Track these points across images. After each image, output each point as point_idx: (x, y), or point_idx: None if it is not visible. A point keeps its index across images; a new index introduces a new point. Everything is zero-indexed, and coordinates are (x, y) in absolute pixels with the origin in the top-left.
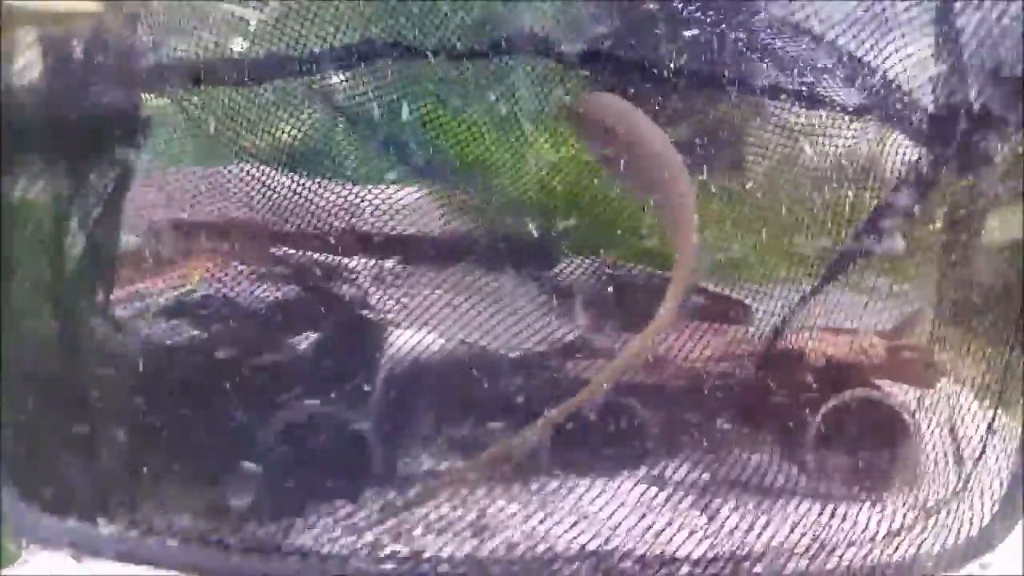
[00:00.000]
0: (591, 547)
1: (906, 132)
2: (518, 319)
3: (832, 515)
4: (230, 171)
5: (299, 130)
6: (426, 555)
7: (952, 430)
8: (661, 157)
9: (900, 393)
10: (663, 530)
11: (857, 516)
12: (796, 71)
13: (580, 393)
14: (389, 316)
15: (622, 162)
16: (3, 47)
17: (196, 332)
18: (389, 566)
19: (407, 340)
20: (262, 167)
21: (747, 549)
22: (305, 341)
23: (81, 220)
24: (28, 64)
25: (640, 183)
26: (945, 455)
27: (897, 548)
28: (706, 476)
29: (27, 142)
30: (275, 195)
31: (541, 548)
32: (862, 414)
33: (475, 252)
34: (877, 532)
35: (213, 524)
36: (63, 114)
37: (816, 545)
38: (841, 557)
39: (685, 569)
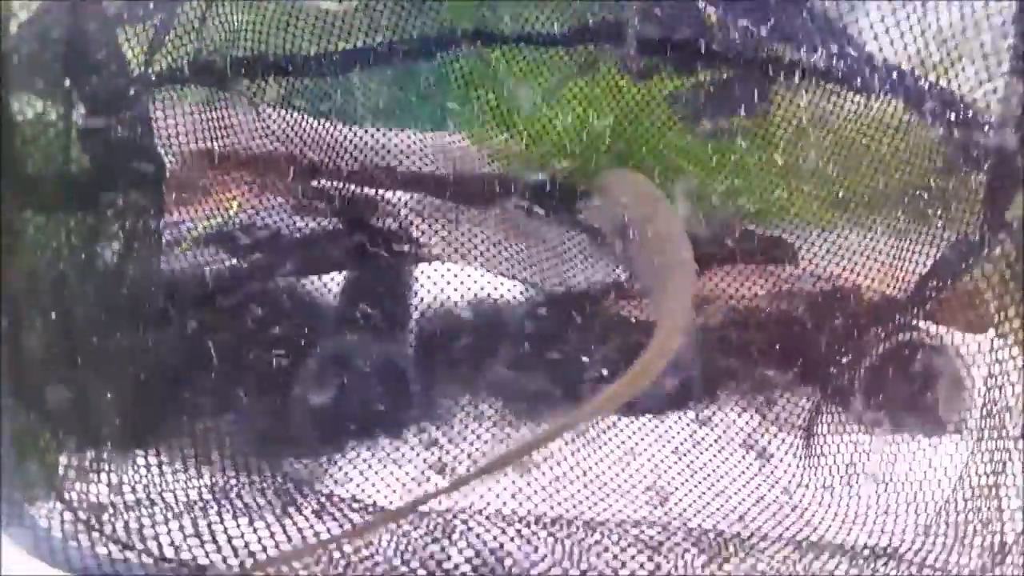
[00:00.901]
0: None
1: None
2: (559, 258)
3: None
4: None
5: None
6: None
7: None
8: (671, 245)
9: (951, 337)
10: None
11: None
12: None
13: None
14: (429, 250)
15: (629, 242)
16: None
17: (235, 262)
18: None
19: (446, 276)
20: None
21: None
22: (342, 275)
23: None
24: None
25: (644, 266)
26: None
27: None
28: (755, 417)
29: None
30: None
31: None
32: (913, 357)
33: (515, 192)
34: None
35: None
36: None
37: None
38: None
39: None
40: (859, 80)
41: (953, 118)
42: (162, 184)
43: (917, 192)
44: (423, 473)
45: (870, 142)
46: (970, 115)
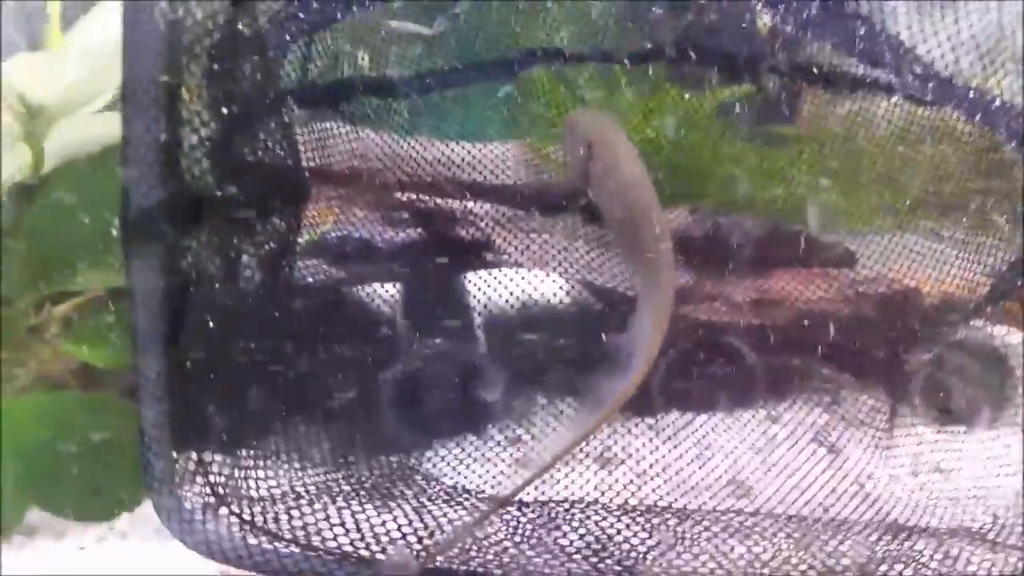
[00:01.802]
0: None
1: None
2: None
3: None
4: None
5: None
6: None
7: None
8: (632, 189)
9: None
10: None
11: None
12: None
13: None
14: (510, 257)
15: (599, 184)
16: None
17: (335, 271)
18: None
19: (522, 281)
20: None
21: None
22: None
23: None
24: None
25: (614, 210)
26: None
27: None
28: (821, 413)
29: None
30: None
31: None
32: (969, 353)
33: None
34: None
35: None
36: None
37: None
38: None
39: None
40: (923, 95)
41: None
42: (306, 200)
43: (977, 198)
44: (510, 468)
45: (922, 150)
46: None
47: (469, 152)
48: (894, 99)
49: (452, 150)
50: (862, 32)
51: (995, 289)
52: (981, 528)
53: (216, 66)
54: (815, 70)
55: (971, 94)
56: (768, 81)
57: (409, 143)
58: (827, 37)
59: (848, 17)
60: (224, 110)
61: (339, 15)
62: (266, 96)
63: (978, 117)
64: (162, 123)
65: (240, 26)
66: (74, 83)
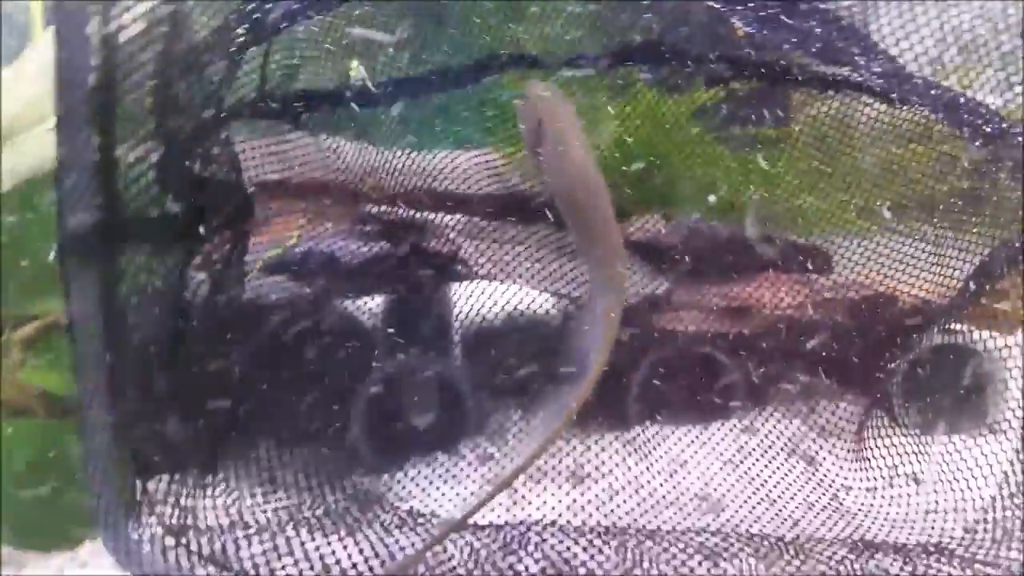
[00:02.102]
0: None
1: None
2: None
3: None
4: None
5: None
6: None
7: None
8: (579, 172)
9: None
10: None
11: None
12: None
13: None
14: (478, 270)
15: (549, 163)
16: None
17: (301, 287)
18: None
19: (493, 294)
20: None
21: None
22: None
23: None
24: None
25: (562, 194)
26: None
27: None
28: (798, 423)
29: None
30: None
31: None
32: (947, 359)
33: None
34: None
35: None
36: None
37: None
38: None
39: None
40: (889, 92)
41: (988, 130)
42: (250, 217)
43: (952, 200)
44: (481, 488)
45: (899, 151)
46: (1004, 127)
47: (430, 163)
48: (863, 98)
49: (416, 160)
50: (820, 31)
51: (968, 290)
52: (951, 543)
53: (153, 82)
54: (790, 71)
55: (934, 91)
56: (746, 83)
57: (373, 153)
58: (786, 36)
59: (807, 14)
60: (161, 128)
61: (295, 20)
62: (206, 112)
63: (942, 115)
64: (95, 142)
65: (178, 39)
66: (32, 99)
